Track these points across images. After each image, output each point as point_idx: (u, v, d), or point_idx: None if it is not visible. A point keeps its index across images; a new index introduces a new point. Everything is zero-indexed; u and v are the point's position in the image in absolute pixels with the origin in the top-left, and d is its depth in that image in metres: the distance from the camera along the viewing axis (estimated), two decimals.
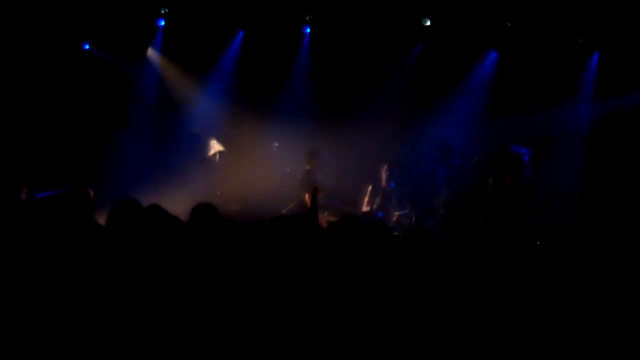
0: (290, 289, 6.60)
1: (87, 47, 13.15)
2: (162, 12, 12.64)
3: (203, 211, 7.71)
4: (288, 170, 12.24)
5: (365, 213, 12.13)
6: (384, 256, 7.16)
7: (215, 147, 12.94)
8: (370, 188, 12.32)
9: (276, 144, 12.86)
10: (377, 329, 6.34)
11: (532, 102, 12.26)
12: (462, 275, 6.90)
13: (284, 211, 11.23)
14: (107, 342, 6.37)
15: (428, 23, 11.84)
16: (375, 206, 12.21)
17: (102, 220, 7.58)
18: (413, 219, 11.94)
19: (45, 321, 6.49)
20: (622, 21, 11.10)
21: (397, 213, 12.07)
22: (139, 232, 7.20)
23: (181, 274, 6.79)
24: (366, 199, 12.36)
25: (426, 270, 6.85)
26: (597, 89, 12.12)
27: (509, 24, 11.55)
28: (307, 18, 12.33)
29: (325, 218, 11.37)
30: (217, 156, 12.92)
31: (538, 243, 7.71)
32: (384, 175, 12.21)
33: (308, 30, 12.77)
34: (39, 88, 12.95)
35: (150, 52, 12.82)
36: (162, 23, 12.85)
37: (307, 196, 11.38)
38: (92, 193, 8.23)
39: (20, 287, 6.72)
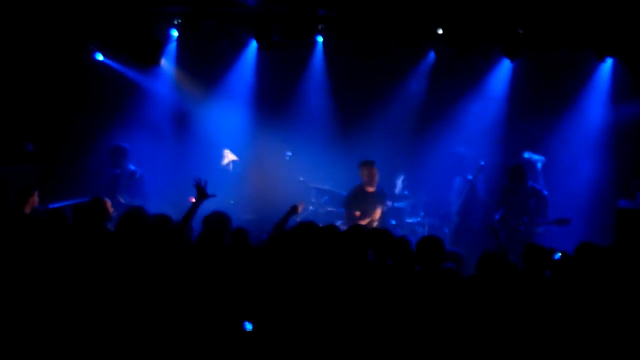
0: (297, 295, 6.66)
1: (100, 57, 13.19)
2: (175, 22, 12.67)
3: (216, 220, 7.78)
4: (301, 179, 12.28)
5: (379, 221, 12.13)
6: (387, 263, 7.23)
7: (228, 156, 13.01)
8: None
9: (289, 153, 12.91)
10: (379, 335, 6.40)
11: (547, 108, 12.28)
12: (472, 284, 6.93)
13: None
14: (110, 339, 6.48)
15: (440, 31, 11.83)
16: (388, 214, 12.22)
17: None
18: (426, 227, 11.95)
19: (53, 316, 6.63)
20: (635, 27, 11.08)
21: (410, 221, 12.08)
22: (144, 239, 7.31)
23: (185, 279, 6.88)
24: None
25: (435, 279, 6.90)
26: (612, 94, 12.14)
27: (521, 32, 11.52)
28: (319, 27, 12.33)
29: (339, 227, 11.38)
30: (231, 165, 12.99)
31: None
32: (398, 184, 12.23)
33: (321, 39, 12.78)
34: (53, 99, 13.03)
35: (164, 63, 12.84)
36: (176, 34, 12.88)
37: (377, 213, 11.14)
38: (108, 203, 8.31)
39: (29, 289, 6.85)
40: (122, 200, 9.97)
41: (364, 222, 10.79)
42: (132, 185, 11.46)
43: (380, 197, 11.14)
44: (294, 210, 8.90)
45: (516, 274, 7.12)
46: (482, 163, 11.65)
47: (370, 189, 11.05)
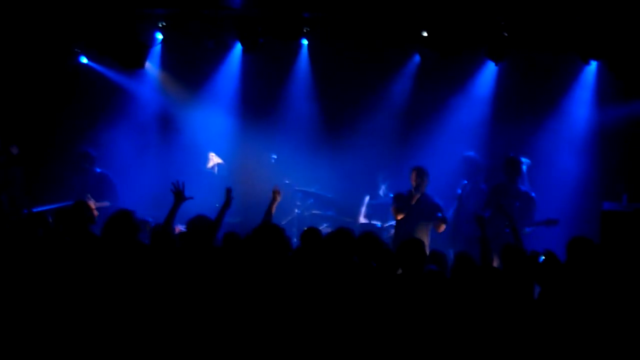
0: (284, 298, 6.66)
1: (85, 60, 13.16)
2: (160, 25, 12.63)
3: (199, 223, 7.77)
4: (287, 181, 12.27)
5: (364, 224, 12.13)
6: (373, 266, 7.24)
7: (213, 159, 12.99)
8: (367, 199, 12.34)
9: (274, 156, 12.90)
10: (365, 337, 6.40)
11: (532, 111, 12.32)
12: (452, 287, 6.96)
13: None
14: (99, 341, 6.45)
15: (425, 34, 11.84)
16: (373, 217, 12.24)
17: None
18: None
19: (41, 321, 6.59)
20: (620, 30, 11.12)
21: (394, 223, 12.06)
22: (132, 243, 7.28)
23: (173, 282, 6.87)
24: (364, 209, 12.36)
25: (417, 281, 6.92)
26: (596, 97, 12.18)
27: (506, 34, 11.54)
28: (305, 30, 12.32)
29: (324, 229, 11.39)
30: (216, 168, 12.97)
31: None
32: (382, 187, 12.23)
33: (306, 42, 12.76)
34: (37, 102, 12.97)
35: (149, 66, 12.80)
36: (160, 37, 12.83)
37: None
38: (93, 206, 8.27)
39: (21, 291, 6.81)
40: (91, 204, 9.92)
41: (399, 217, 10.77)
42: (100, 188, 11.47)
43: (430, 205, 10.85)
44: (274, 197, 8.98)
45: (490, 274, 7.17)
46: (465, 182, 11.61)
47: (417, 194, 10.82)
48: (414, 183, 10.82)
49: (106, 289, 6.91)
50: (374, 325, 6.49)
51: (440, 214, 10.71)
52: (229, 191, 8.44)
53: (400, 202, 10.86)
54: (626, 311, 6.55)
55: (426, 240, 10.42)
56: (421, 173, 10.83)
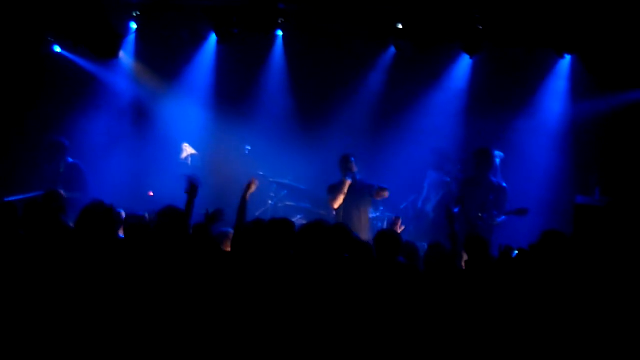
0: (260, 291, 6.63)
1: (58, 49, 13.06)
2: (134, 14, 12.55)
3: (170, 214, 7.72)
4: (261, 173, 12.24)
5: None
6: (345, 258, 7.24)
7: (187, 150, 12.94)
8: None
9: (248, 147, 12.86)
10: (341, 330, 6.39)
11: (506, 104, 12.35)
12: (420, 279, 6.99)
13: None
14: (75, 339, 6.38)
15: (400, 26, 11.83)
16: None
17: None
18: (385, 222, 11.93)
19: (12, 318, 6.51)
20: (595, 23, 11.17)
21: (370, 216, 12.04)
22: (108, 234, 7.21)
23: (148, 275, 6.81)
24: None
25: (386, 273, 6.93)
26: (570, 90, 12.24)
27: (480, 28, 11.57)
28: (280, 21, 12.28)
29: (297, 221, 11.36)
30: (190, 159, 12.91)
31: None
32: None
33: (281, 33, 12.72)
34: (8, 90, 12.85)
35: (122, 56, 12.71)
36: (135, 26, 12.75)
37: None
38: (63, 196, 8.20)
39: None
40: (63, 194, 9.82)
41: (335, 206, 11.04)
42: (70, 179, 11.36)
43: (363, 185, 11.15)
44: (249, 186, 8.92)
45: (458, 269, 7.21)
46: (459, 166, 11.73)
47: (348, 179, 11.08)
48: (343, 172, 11.10)
49: (80, 282, 6.83)
50: (345, 317, 6.48)
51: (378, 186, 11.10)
52: (191, 180, 8.30)
53: (334, 191, 11.08)
54: (599, 303, 6.57)
55: (365, 218, 11.19)
56: (346, 160, 11.14)
